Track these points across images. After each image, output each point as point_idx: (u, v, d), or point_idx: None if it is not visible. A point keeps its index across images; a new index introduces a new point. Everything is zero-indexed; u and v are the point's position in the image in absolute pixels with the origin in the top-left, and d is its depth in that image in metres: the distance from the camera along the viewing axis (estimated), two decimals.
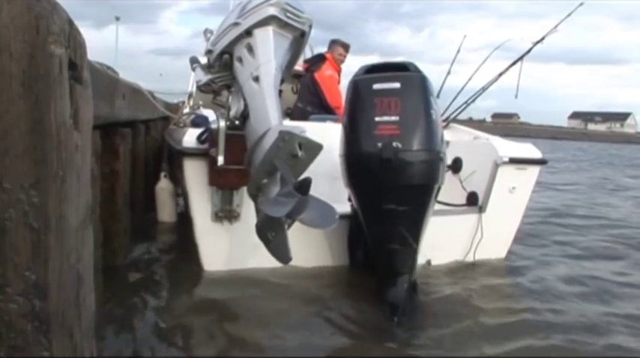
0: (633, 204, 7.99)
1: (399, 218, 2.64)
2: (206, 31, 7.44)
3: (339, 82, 5.29)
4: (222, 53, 2.58)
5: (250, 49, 2.43)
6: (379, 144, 2.61)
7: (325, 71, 4.97)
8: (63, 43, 1.08)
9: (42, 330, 1.10)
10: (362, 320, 2.69)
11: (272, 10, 2.42)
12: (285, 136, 1.92)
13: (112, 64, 4.05)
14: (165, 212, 4.36)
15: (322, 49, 5.41)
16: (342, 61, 5.30)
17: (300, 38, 2.57)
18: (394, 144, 2.59)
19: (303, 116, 4.64)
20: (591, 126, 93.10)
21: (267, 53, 2.37)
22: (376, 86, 2.75)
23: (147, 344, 2.35)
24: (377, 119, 2.67)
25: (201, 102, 4.01)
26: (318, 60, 5.15)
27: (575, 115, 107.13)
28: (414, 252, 2.77)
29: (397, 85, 2.72)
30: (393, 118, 2.65)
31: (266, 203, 1.91)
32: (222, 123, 2.66)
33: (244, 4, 2.53)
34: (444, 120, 3.99)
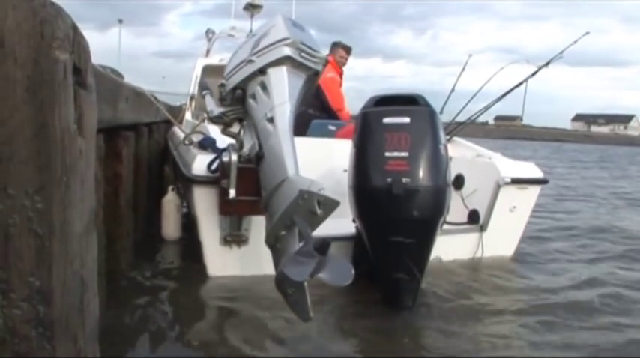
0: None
1: (405, 250, 2.70)
2: (208, 32, 7.43)
3: (340, 85, 5.29)
4: (235, 88, 2.61)
5: (264, 88, 2.45)
6: (389, 180, 2.65)
7: (327, 74, 4.97)
8: (67, 48, 1.08)
9: (46, 336, 1.10)
10: (369, 328, 2.70)
11: (287, 51, 2.45)
12: (304, 195, 1.98)
13: (115, 66, 4.06)
14: (170, 227, 4.30)
15: (324, 52, 5.43)
16: (344, 64, 5.30)
17: (313, 77, 2.61)
18: (404, 180, 2.64)
19: (305, 119, 4.64)
20: (594, 129, 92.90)
21: (282, 94, 2.40)
22: (386, 120, 2.78)
23: (149, 348, 2.35)
24: (387, 154, 2.71)
25: (205, 115, 4.02)
26: None
27: (578, 117, 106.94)
28: (418, 282, 2.83)
29: (407, 119, 2.76)
30: (403, 154, 2.69)
31: (287, 263, 1.93)
32: (234, 157, 2.66)
33: (258, 39, 2.56)
34: (447, 134, 4.03)
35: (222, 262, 3.16)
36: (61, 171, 1.08)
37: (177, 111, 7.04)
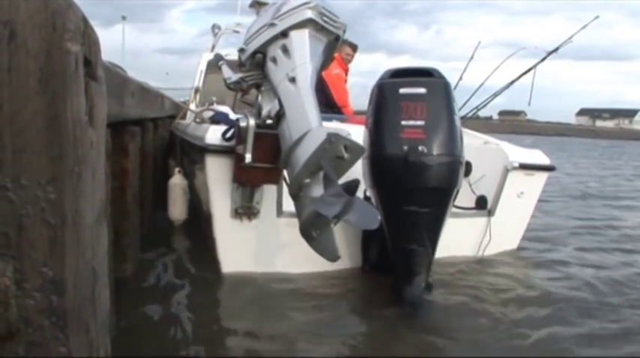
0: None
1: (419, 219, 2.72)
2: (214, 27, 7.45)
3: (346, 82, 5.29)
4: (255, 52, 2.60)
5: (286, 50, 2.45)
6: (405, 148, 2.67)
7: (333, 70, 4.97)
8: (78, 40, 1.08)
9: (59, 326, 1.11)
10: (378, 319, 2.72)
11: (310, 14, 2.46)
12: (332, 138, 1.97)
13: (119, 63, 4.07)
14: (177, 209, 4.36)
15: None
16: (350, 61, 5.31)
17: (334, 42, 2.63)
18: (420, 147, 2.65)
19: None
20: (599, 123, 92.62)
21: (304, 55, 2.40)
22: (402, 90, 2.81)
23: (155, 343, 2.36)
24: (403, 123, 2.73)
25: (214, 99, 4.02)
26: None
27: (582, 112, 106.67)
28: (431, 253, 2.83)
29: (423, 90, 2.79)
30: (419, 122, 2.71)
31: (316, 202, 1.92)
32: (252, 121, 2.67)
33: (279, 6, 2.57)
34: None
35: (232, 236, 3.15)
36: (73, 161, 1.09)
37: (181, 107, 7.07)
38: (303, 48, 2.42)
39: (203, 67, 6.11)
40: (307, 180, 2.06)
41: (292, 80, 2.34)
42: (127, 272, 3.10)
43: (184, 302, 2.88)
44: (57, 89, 1.05)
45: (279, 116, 2.36)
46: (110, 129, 2.69)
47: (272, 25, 2.49)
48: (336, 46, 2.69)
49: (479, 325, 2.66)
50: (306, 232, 2.02)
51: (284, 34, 2.46)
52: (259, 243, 3.18)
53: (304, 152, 2.06)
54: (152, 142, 4.59)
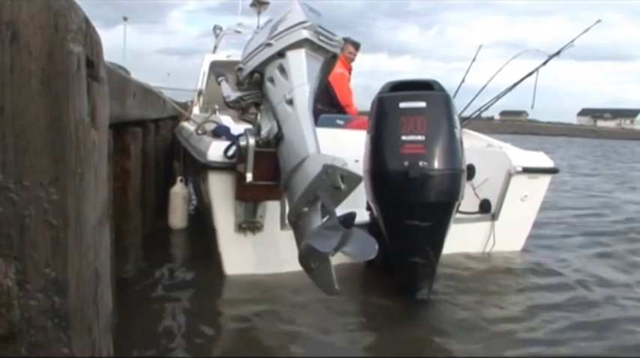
0: None
1: (421, 233, 2.72)
2: (215, 28, 7.44)
3: (349, 80, 5.29)
4: (252, 72, 2.62)
5: (283, 71, 2.47)
6: (405, 163, 2.68)
7: (336, 69, 4.96)
8: (80, 40, 1.08)
9: (62, 327, 1.11)
10: (379, 321, 2.71)
11: (305, 34, 2.46)
12: (328, 169, 1.98)
13: (121, 64, 4.08)
14: (177, 217, 4.38)
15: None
16: (353, 60, 5.30)
17: (331, 60, 2.64)
18: (420, 163, 2.66)
19: (314, 113, 4.63)
20: (601, 123, 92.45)
21: (301, 76, 2.42)
22: (402, 104, 2.81)
23: (157, 343, 2.36)
24: (403, 138, 2.73)
25: (216, 106, 4.02)
26: None
27: (584, 112, 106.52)
28: (433, 266, 2.84)
29: (423, 104, 2.79)
30: (420, 137, 2.71)
31: (312, 236, 1.94)
32: (252, 141, 2.68)
33: (275, 24, 2.58)
34: None
35: (236, 250, 3.16)
36: (76, 162, 1.08)
37: (183, 108, 7.07)
38: (300, 68, 2.43)
39: (205, 68, 6.11)
40: (306, 209, 2.08)
41: (290, 102, 2.35)
42: (129, 273, 3.10)
43: (187, 304, 2.87)
44: (59, 90, 1.05)
45: (278, 138, 2.39)
46: (112, 130, 2.69)
47: (268, 44, 2.51)
48: (333, 63, 2.70)
49: (481, 327, 2.65)
50: (305, 263, 2.03)
51: (281, 54, 2.48)
52: (263, 256, 3.20)
53: (301, 182, 2.08)
54: (154, 143, 4.58)
